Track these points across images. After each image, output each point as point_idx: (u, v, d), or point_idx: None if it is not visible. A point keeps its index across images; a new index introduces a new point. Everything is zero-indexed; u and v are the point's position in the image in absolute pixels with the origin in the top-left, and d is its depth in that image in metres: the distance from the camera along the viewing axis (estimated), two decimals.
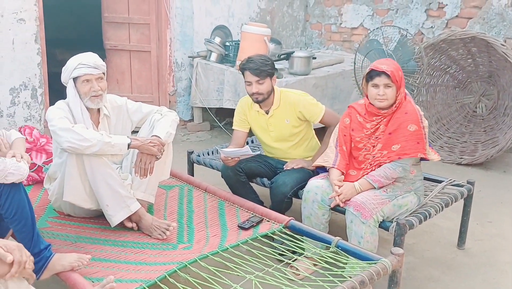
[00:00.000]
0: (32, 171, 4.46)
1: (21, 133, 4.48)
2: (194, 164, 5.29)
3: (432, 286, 4.01)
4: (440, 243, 4.67)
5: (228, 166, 4.44)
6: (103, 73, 3.90)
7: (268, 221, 3.90)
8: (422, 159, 4.04)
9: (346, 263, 3.32)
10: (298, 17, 9.39)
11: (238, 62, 6.80)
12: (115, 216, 3.74)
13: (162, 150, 3.82)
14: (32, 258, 2.68)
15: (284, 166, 4.56)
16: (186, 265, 3.21)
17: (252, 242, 3.55)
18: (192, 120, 8.23)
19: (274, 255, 3.43)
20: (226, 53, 7.59)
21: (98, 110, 3.99)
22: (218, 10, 8.12)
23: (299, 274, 3.62)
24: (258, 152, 4.59)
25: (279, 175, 4.43)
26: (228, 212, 4.13)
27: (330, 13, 9.10)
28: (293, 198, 4.36)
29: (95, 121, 3.97)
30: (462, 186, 4.44)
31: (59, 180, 3.81)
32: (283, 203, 4.30)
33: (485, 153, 6.60)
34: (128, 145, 3.68)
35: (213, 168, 5.03)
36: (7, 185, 3.04)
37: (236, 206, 4.20)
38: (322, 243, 3.56)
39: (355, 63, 6.31)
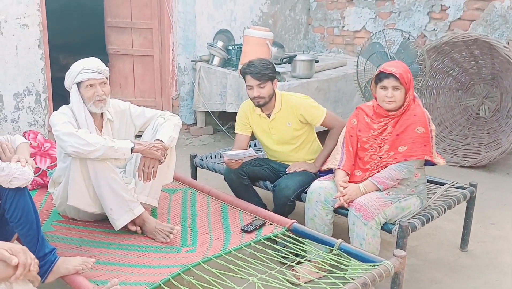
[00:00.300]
0: (36, 176, 4.48)
1: (25, 138, 4.49)
2: (197, 168, 5.30)
3: (435, 288, 4.02)
4: (443, 245, 4.68)
5: (231, 170, 4.45)
6: (106, 78, 3.92)
7: (271, 224, 3.91)
8: (427, 163, 4.06)
9: (348, 265, 3.33)
10: (301, 20, 9.40)
11: (240, 66, 6.82)
12: (119, 220, 3.76)
13: (165, 154, 3.83)
14: (37, 261, 2.71)
15: (286, 169, 4.57)
16: (190, 268, 3.23)
17: (255, 245, 3.56)
18: (195, 124, 8.24)
19: (277, 258, 3.44)
20: (229, 57, 7.61)
21: (102, 114, 4.01)
22: (220, 14, 8.14)
23: (299, 277, 3.62)
24: (262, 153, 4.60)
25: (281, 178, 4.45)
26: (231, 215, 4.15)
27: (332, 16, 9.10)
28: (296, 201, 4.37)
29: (99, 125, 3.99)
30: (464, 188, 4.45)
31: (63, 185, 3.83)
32: (286, 206, 4.32)
33: (488, 155, 6.60)
34: (132, 149, 3.69)
35: (216, 172, 5.04)
36: (12, 189, 3.07)
37: (239, 209, 4.21)
38: (325, 246, 3.57)
39: (357, 66, 6.32)
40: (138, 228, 3.84)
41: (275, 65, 4.54)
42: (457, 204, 4.26)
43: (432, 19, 7.77)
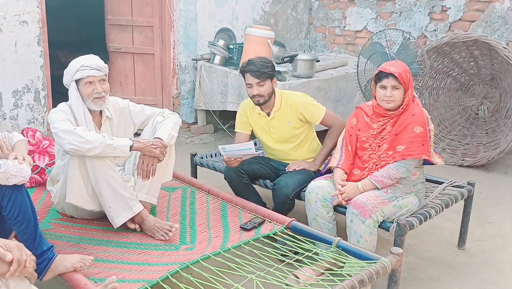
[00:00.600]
0: (35, 173, 4.49)
1: (24, 135, 4.50)
2: (198, 167, 5.31)
3: (433, 286, 4.04)
4: (441, 243, 4.70)
5: (231, 168, 4.46)
6: (106, 75, 3.91)
7: (270, 222, 3.92)
8: (426, 162, 4.08)
9: (345, 263, 3.35)
10: (302, 20, 9.40)
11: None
12: (118, 218, 3.76)
13: (164, 152, 3.83)
14: (33, 257, 2.71)
15: (286, 168, 4.59)
16: (188, 266, 3.23)
17: (254, 243, 3.57)
18: (196, 122, 8.23)
19: (276, 256, 3.45)
20: (230, 55, 7.60)
21: (101, 112, 4.00)
22: (222, 13, 8.13)
23: (299, 283, 3.62)
24: (261, 152, 4.61)
25: (281, 177, 4.46)
26: (231, 214, 4.15)
27: (334, 16, 9.10)
28: (296, 200, 4.38)
29: (98, 123, 3.98)
30: (462, 187, 4.47)
31: (61, 182, 3.83)
32: (285, 204, 4.33)
33: (486, 155, 6.62)
34: (130, 147, 3.69)
35: (216, 170, 5.05)
36: (9, 187, 3.07)
37: (239, 207, 4.22)
38: (323, 244, 3.59)
39: (358, 66, 6.33)
40: (137, 226, 3.84)
41: (275, 64, 4.55)
42: (455, 203, 4.29)
43: (433, 19, 7.76)
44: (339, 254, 3.41)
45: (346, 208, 3.91)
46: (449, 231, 4.88)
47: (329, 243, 3.53)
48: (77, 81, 3.84)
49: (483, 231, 4.93)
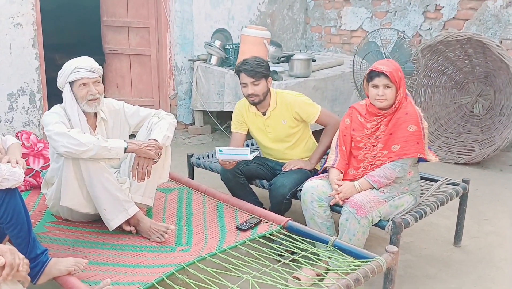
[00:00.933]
0: (29, 176, 4.48)
1: (18, 138, 4.50)
2: (194, 167, 5.30)
3: (429, 283, 4.04)
4: (437, 241, 4.71)
5: (227, 169, 4.46)
6: (100, 77, 3.90)
7: (266, 222, 3.92)
8: (420, 160, 4.08)
9: (341, 262, 3.35)
10: (298, 19, 9.40)
11: None
12: (113, 220, 3.74)
13: (159, 154, 3.82)
14: (26, 261, 2.69)
15: (282, 168, 4.59)
16: (184, 267, 3.23)
17: (250, 243, 3.57)
18: (193, 123, 8.24)
19: (272, 256, 3.45)
20: (227, 56, 7.60)
21: (95, 114, 3.99)
22: (218, 13, 8.13)
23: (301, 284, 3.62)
24: (256, 153, 4.61)
25: (277, 177, 4.46)
26: (227, 214, 4.14)
27: (329, 16, 9.11)
28: (292, 199, 4.38)
29: (92, 125, 3.97)
30: (457, 184, 4.48)
31: (56, 185, 3.81)
32: (282, 204, 4.33)
33: (482, 152, 6.64)
34: (125, 149, 3.67)
35: (213, 171, 5.04)
36: (2, 190, 3.06)
37: (235, 208, 4.21)
38: (319, 243, 3.60)
39: (353, 65, 6.33)
40: (132, 228, 3.83)
41: (272, 64, 4.55)
42: (450, 200, 4.30)
43: (427, 18, 7.78)
44: (335, 253, 3.41)
45: (342, 207, 3.91)
46: (445, 228, 4.89)
47: (325, 242, 3.53)
48: (71, 83, 3.82)
49: (479, 228, 4.94)
